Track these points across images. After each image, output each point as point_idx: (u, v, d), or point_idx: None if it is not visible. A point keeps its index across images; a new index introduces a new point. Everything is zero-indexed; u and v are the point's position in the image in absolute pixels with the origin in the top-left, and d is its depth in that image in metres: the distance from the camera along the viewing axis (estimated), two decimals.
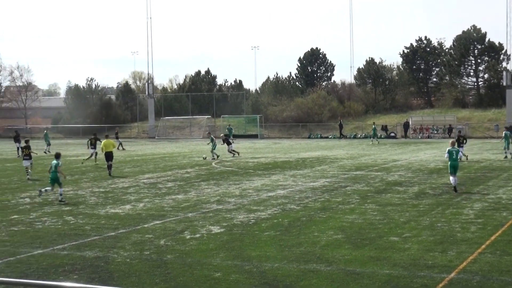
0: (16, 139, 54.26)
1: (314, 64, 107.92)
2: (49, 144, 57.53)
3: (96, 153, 43.77)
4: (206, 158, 45.64)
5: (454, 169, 26.19)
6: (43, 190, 25.54)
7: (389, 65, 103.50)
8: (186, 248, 15.96)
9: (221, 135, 55.71)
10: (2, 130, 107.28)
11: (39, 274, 13.63)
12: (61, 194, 24.87)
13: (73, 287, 9.76)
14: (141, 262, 14.61)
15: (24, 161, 34.73)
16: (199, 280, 13.03)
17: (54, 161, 25.35)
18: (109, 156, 35.67)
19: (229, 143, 49.29)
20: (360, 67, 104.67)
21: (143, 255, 15.25)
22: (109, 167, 35.43)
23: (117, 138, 61.75)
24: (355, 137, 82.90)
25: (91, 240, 17.20)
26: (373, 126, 71.34)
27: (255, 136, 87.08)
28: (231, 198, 25.19)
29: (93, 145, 44.21)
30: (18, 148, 52.54)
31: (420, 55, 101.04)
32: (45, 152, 53.50)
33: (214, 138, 48.43)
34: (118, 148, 57.51)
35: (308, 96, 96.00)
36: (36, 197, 25.86)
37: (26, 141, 36.38)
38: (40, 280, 11.89)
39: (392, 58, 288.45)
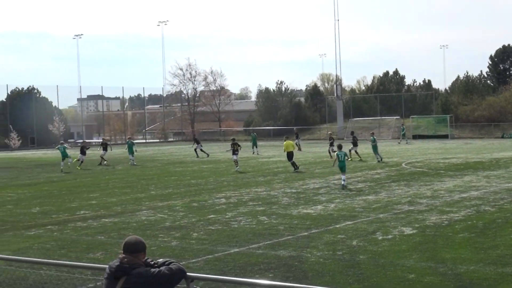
0: (197, 141, 58.39)
1: (507, 61, 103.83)
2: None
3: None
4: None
5: None
6: (344, 182, 29.32)
7: None
8: (378, 249, 15.93)
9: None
10: (198, 133, 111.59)
11: (236, 272, 14.10)
12: (344, 180, 29.30)
13: (270, 285, 10.04)
14: (334, 262, 14.75)
15: (233, 156, 41.40)
16: (393, 281, 12.97)
17: (341, 152, 30.49)
18: (290, 155, 39.16)
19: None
20: None
21: (335, 255, 15.38)
22: (293, 164, 38.68)
23: (297, 138, 63.96)
24: None
25: (285, 239, 17.56)
26: None
27: (445, 137, 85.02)
28: (422, 199, 24.82)
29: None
30: (195, 149, 56.68)
31: None
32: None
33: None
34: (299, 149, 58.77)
35: (500, 95, 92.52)
36: (231, 197, 26.72)
37: (233, 139, 44.66)
38: (237, 277, 12.28)
39: None
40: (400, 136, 72.09)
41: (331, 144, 49.63)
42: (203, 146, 59.20)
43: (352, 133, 51.26)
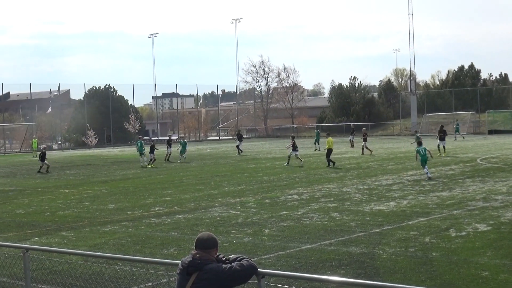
0: (240, 138, 59.18)
1: None
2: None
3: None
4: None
5: None
6: (428, 174, 30.96)
7: None
8: (451, 246, 15.77)
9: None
10: (271, 129, 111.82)
11: (307, 268, 14.15)
12: (427, 173, 30.87)
13: (341, 281, 10.07)
14: (406, 259, 14.67)
15: (293, 152, 42.48)
16: (466, 278, 12.84)
17: (420, 148, 32.07)
18: (329, 152, 40.32)
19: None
20: None
21: (408, 252, 15.29)
22: (329, 161, 39.80)
23: (351, 134, 65.35)
24: None
25: (357, 236, 17.52)
26: None
27: None
28: (497, 195, 24.41)
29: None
30: (237, 146, 57.39)
31: None
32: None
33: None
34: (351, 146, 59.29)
35: None
36: (303, 194, 26.78)
37: (292, 136, 45.88)
38: (308, 274, 12.34)
39: None
40: (454, 133, 71.01)
41: (365, 140, 51.25)
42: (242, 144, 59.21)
43: (442, 127, 50.24)
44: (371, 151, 49.71)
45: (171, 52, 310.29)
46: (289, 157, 42.92)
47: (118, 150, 78.19)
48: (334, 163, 39.79)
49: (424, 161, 31.46)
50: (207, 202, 25.74)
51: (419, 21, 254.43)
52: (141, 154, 46.80)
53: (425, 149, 32.12)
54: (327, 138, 42.75)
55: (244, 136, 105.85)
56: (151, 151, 47.73)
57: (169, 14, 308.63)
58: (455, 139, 68.09)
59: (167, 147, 52.21)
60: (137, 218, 22.27)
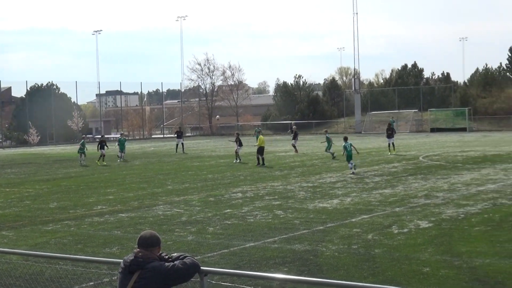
0: (179, 136, 57.88)
1: None
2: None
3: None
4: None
5: None
6: (352, 169, 32.61)
7: None
8: (394, 243, 15.94)
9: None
10: (216, 128, 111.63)
11: (251, 265, 14.16)
12: (351, 168, 32.72)
13: (284, 279, 10.09)
14: (349, 255, 14.78)
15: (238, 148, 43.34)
16: (408, 274, 12.99)
17: (347, 143, 33.71)
18: (260, 150, 39.73)
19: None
20: None
21: (351, 249, 15.41)
22: (259, 159, 39.55)
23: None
24: None
25: (300, 233, 17.60)
26: None
27: (463, 130, 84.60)
28: (439, 192, 24.78)
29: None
30: (177, 145, 56.67)
31: None
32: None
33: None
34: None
35: None
36: (248, 192, 26.81)
37: (237, 133, 45.82)
38: (252, 271, 12.35)
39: None
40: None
41: (294, 138, 51.32)
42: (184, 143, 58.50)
43: (389, 124, 50.08)
44: (296, 151, 49.99)
45: (115, 50, 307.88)
46: (237, 152, 43.28)
47: (61, 148, 77.17)
48: (263, 161, 39.52)
49: (349, 156, 33.42)
50: (150, 200, 25.58)
51: (364, 20, 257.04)
52: (81, 153, 46.28)
53: (350, 144, 34.01)
54: (258, 135, 42.53)
55: (188, 134, 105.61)
56: (101, 147, 47.26)
57: (114, 11, 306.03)
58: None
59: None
60: (79, 217, 22.01)
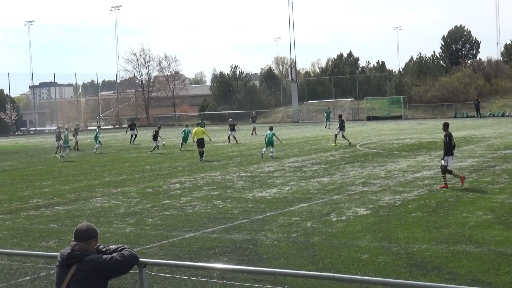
0: (132, 128, 57.81)
1: (459, 42, 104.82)
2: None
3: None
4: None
5: None
6: (262, 153, 36.38)
7: None
8: (332, 230, 16.05)
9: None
10: (153, 118, 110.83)
11: (190, 256, 14.10)
12: (262, 153, 36.47)
13: (224, 268, 10.07)
14: (288, 244, 14.83)
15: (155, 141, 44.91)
16: (347, 261, 13.09)
17: (270, 132, 36.83)
18: (200, 143, 37.70)
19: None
20: (507, 43, 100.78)
21: (290, 237, 15.46)
22: (201, 153, 37.36)
23: (254, 122, 64.74)
24: (503, 115, 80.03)
25: (240, 223, 17.59)
26: None
27: (399, 118, 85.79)
28: (376, 179, 25.05)
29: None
30: (132, 136, 56.45)
31: None
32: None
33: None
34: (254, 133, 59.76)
35: (453, 75, 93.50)
36: (186, 182, 26.69)
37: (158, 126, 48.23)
38: (191, 262, 12.28)
39: None
40: (326, 121, 71.11)
41: (232, 129, 52.03)
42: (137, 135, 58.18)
43: (340, 116, 49.66)
44: (235, 141, 50.56)
45: (49, 41, 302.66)
46: (157, 146, 44.85)
47: None
48: (202, 157, 37.34)
49: (268, 143, 36.58)
50: (87, 192, 25.26)
51: (300, 10, 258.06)
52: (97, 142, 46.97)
53: (273, 134, 37.03)
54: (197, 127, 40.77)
55: (124, 125, 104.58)
56: (58, 140, 46.54)
57: (46, 2, 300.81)
58: (326, 127, 68.35)
59: (73, 136, 51.24)
60: (14, 210, 21.60)
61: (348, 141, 44.22)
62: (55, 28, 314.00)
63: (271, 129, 37.82)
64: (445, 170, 22.50)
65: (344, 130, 45.17)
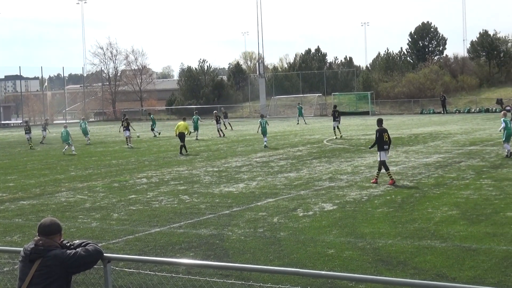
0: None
1: (426, 38, 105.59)
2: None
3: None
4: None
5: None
6: (265, 143, 38.79)
7: (504, 37, 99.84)
8: (299, 226, 16.08)
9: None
10: (119, 113, 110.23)
11: (156, 251, 14.04)
12: (265, 141, 39.14)
13: (189, 264, 10.03)
14: (255, 239, 14.82)
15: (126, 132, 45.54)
16: (313, 257, 13.12)
17: (263, 120, 40.52)
18: (181, 137, 37.38)
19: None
20: (473, 40, 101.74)
21: (257, 233, 15.46)
22: (182, 147, 37.02)
23: (226, 118, 63.67)
24: (469, 111, 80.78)
25: (206, 218, 17.55)
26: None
27: (366, 113, 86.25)
28: (343, 175, 25.15)
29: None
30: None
31: None
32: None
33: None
34: (229, 128, 59.31)
35: (420, 71, 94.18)
36: (153, 177, 26.57)
37: (124, 114, 49.95)
38: (157, 257, 12.23)
39: (507, 29, 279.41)
40: (298, 116, 71.05)
41: (218, 122, 53.18)
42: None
43: (335, 107, 49.56)
44: (223, 134, 51.52)
45: (14, 34, 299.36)
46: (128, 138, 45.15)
47: None
48: (185, 151, 37.07)
49: (264, 132, 39.70)
50: (53, 187, 25.04)
51: (268, 5, 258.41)
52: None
53: (266, 122, 40.37)
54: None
55: (91, 119, 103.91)
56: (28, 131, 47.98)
57: None
58: (298, 123, 68.50)
59: (43, 130, 52.45)
60: None
61: (340, 134, 45.38)
62: (21, 21, 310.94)
63: (262, 117, 40.14)
64: (384, 164, 22.73)
65: (339, 121, 46.39)
